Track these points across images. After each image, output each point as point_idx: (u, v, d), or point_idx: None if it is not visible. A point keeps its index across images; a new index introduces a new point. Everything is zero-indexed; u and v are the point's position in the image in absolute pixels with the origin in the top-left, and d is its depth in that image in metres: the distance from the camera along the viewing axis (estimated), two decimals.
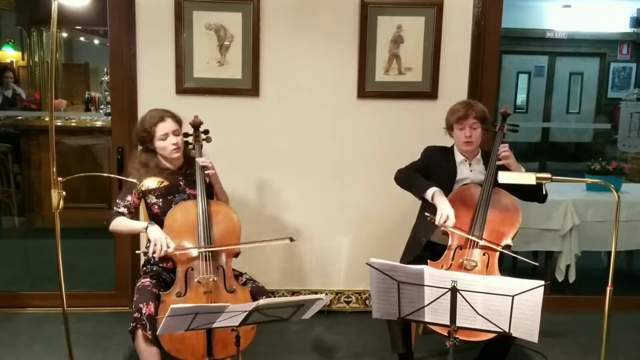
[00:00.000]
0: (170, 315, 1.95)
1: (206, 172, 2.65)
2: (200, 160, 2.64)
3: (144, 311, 2.36)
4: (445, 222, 2.58)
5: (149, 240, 2.64)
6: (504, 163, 2.74)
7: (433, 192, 2.66)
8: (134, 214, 2.68)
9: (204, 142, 2.76)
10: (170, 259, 2.53)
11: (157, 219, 2.62)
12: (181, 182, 2.68)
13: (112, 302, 3.66)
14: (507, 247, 2.63)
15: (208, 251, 2.50)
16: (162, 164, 2.66)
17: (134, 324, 2.35)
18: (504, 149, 2.75)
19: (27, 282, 4.03)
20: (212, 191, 2.75)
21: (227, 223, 2.61)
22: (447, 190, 2.75)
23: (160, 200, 2.63)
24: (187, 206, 2.60)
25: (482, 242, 2.59)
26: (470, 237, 2.61)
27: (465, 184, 2.82)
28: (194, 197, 2.63)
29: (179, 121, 2.66)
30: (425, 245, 2.81)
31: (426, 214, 2.67)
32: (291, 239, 2.56)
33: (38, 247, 4.71)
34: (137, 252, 2.69)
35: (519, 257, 2.61)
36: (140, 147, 2.72)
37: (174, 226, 2.53)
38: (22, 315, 3.55)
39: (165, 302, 2.40)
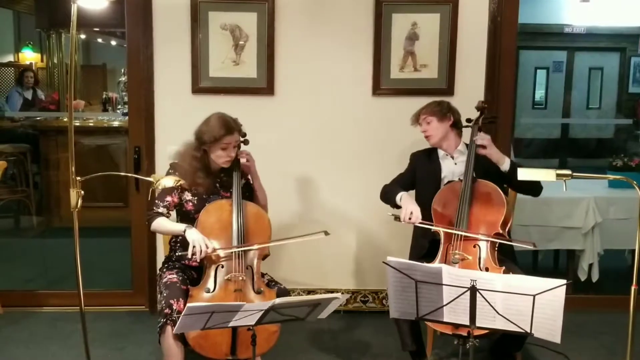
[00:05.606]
0: (186, 314, 1.95)
1: (241, 160, 2.68)
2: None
3: (174, 307, 2.36)
4: (410, 218, 2.63)
5: (173, 241, 2.67)
6: (483, 153, 2.69)
7: (400, 196, 2.75)
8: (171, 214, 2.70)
9: (242, 145, 2.78)
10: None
11: (189, 216, 2.64)
12: (217, 185, 2.71)
13: (129, 301, 3.68)
14: (498, 235, 2.59)
15: (242, 250, 2.51)
16: (208, 163, 2.68)
17: (164, 320, 2.35)
18: (481, 137, 2.71)
19: (44, 281, 4.06)
20: (250, 193, 2.77)
21: (259, 223, 2.63)
22: (435, 188, 2.79)
23: (196, 198, 2.66)
24: (221, 205, 2.62)
25: (462, 234, 2.58)
26: (450, 230, 2.61)
27: (449, 182, 2.82)
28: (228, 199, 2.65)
29: (240, 133, 2.71)
30: (431, 245, 2.80)
31: (389, 213, 2.75)
32: (326, 233, 2.55)
33: (56, 247, 4.75)
34: (177, 254, 2.62)
35: (508, 242, 2.60)
36: (194, 143, 2.67)
37: (207, 223, 2.55)
38: (39, 314, 3.58)
39: (194, 297, 2.41)
